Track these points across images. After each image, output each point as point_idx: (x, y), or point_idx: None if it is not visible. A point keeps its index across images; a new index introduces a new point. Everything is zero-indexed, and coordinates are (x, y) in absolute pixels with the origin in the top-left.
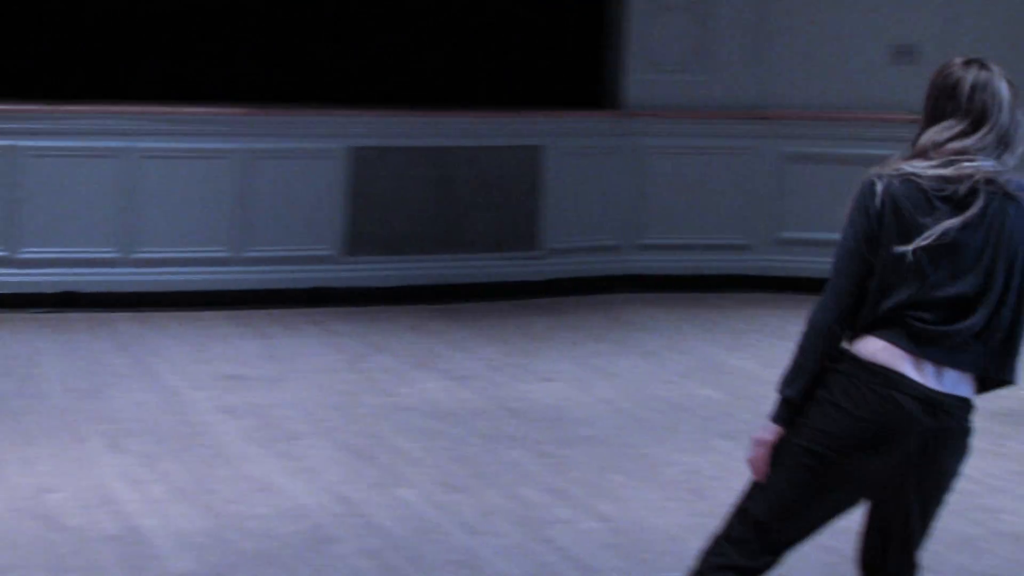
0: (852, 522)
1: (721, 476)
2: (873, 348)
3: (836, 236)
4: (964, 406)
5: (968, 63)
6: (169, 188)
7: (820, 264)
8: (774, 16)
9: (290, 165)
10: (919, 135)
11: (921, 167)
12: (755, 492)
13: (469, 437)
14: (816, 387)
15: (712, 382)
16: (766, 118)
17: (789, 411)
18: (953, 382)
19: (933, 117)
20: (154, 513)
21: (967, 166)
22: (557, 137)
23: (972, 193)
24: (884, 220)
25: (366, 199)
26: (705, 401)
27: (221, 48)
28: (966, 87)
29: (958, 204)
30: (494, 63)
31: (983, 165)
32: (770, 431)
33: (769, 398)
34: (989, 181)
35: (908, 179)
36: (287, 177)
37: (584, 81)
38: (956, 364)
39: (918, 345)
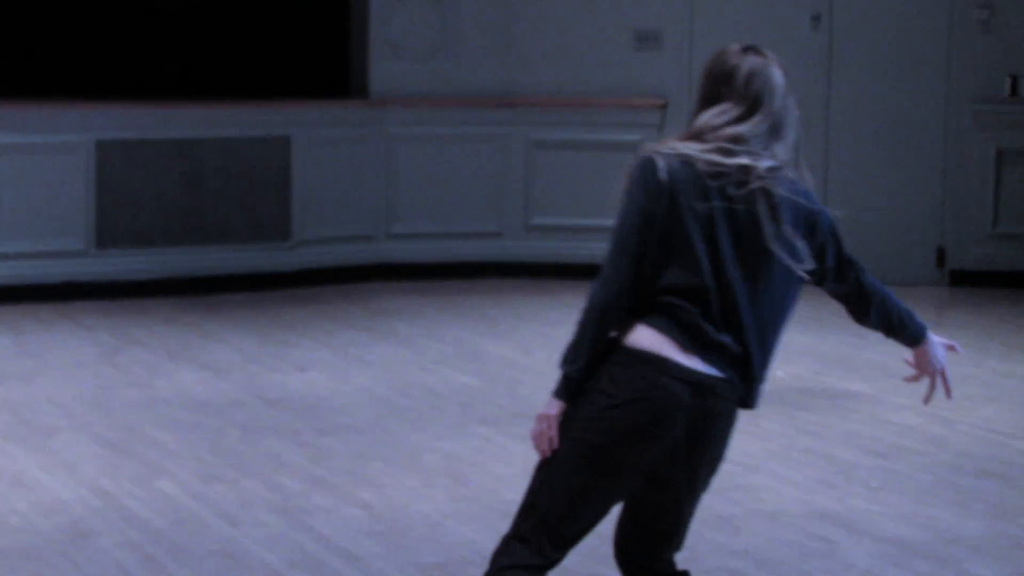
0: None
1: (480, 461)
2: (640, 336)
3: (586, 222)
4: (730, 388)
5: (745, 50)
6: None
7: (570, 250)
8: (519, 3)
9: (35, 160)
10: (694, 117)
11: (696, 150)
12: (538, 488)
13: (227, 428)
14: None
15: (469, 368)
16: (513, 105)
17: (570, 388)
18: (719, 366)
19: (708, 100)
20: None
21: (744, 160)
22: (305, 127)
23: (742, 185)
24: (662, 199)
25: (114, 192)
26: (462, 387)
27: None
28: (743, 73)
29: (729, 195)
30: (241, 53)
31: (760, 162)
32: (553, 406)
33: (526, 383)
34: (761, 177)
35: (685, 161)
36: (32, 172)
37: (332, 70)
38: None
39: (684, 333)
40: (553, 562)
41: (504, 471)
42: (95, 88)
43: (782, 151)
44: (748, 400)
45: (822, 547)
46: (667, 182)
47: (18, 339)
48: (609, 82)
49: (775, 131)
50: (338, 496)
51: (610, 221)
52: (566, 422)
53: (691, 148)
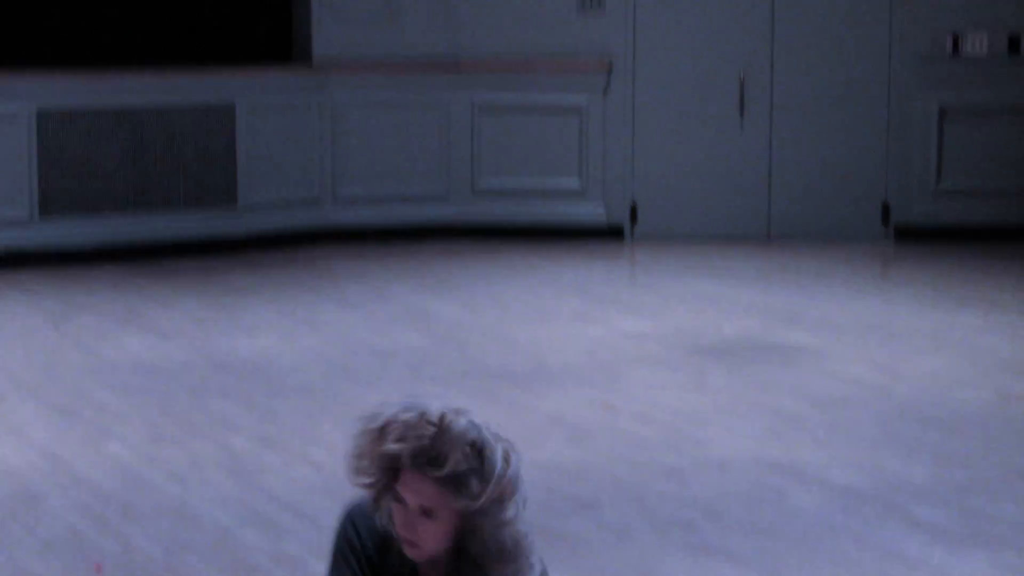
0: None
1: None
2: None
3: (531, 184)
4: None
5: None
6: None
7: (516, 212)
8: None
9: None
10: None
11: None
12: None
13: (176, 391)
14: None
15: (417, 329)
16: (458, 70)
17: None
18: None
19: None
20: None
21: None
22: (250, 94)
23: None
24: None
25: (57, 161)
26: (411, 348)
27: None
28: None
29: None
30: (182, 19)
31: None
32: None
33: (474, 343)
34: None
35: None
36: None
37: (275, 36)
38: None
39: None
40: None
41: None
42: (35, 57)
43: None
44: None
45: (771, 496)
46: None
47: None
48: (553, 45)
49: None
50: (289, 455)
51: (557, 183)
52: None
53: None
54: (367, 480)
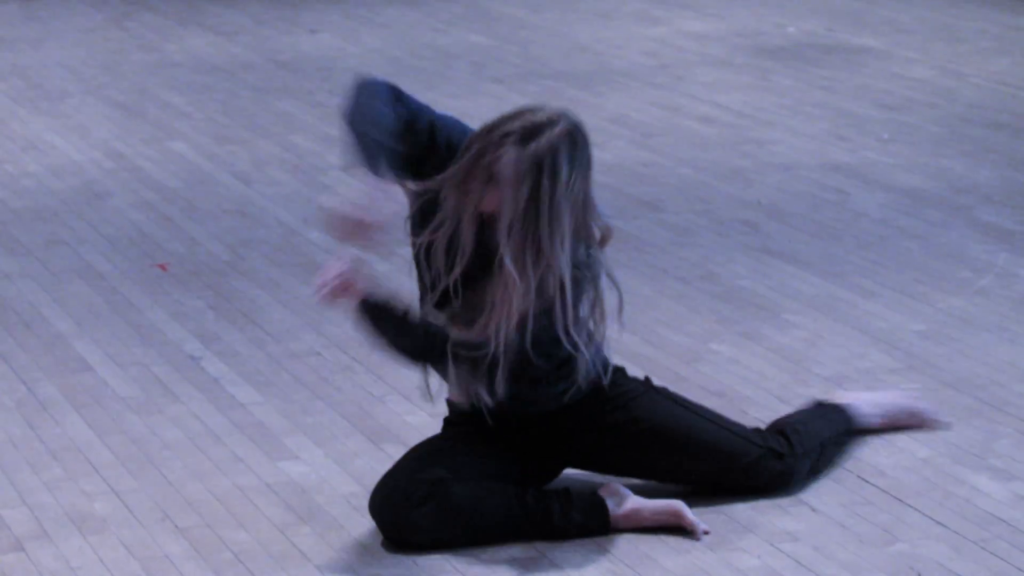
0: None
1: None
2: None
3: None
4: None
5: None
6: None
7: None
8: None
9: None
10: None
11: None
12: None
13: (239, 90)
14: None
15: (480, 28)
16: None
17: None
18: None
19: None
20: None
21: None
22: None
23: None
24: None
25: None
26: (473, 46)
27: None
28: None
29: None
30: None
31: None
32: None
33: (536, 42)
34: None
35: None
36: None
37: None
38: None
39: None
40: None
41: None
42: None
43: None
44: None
45: (835, 197)
46: None
47: (25, 4)
48: None
49: None
50: None
51: None
52: None
53: None
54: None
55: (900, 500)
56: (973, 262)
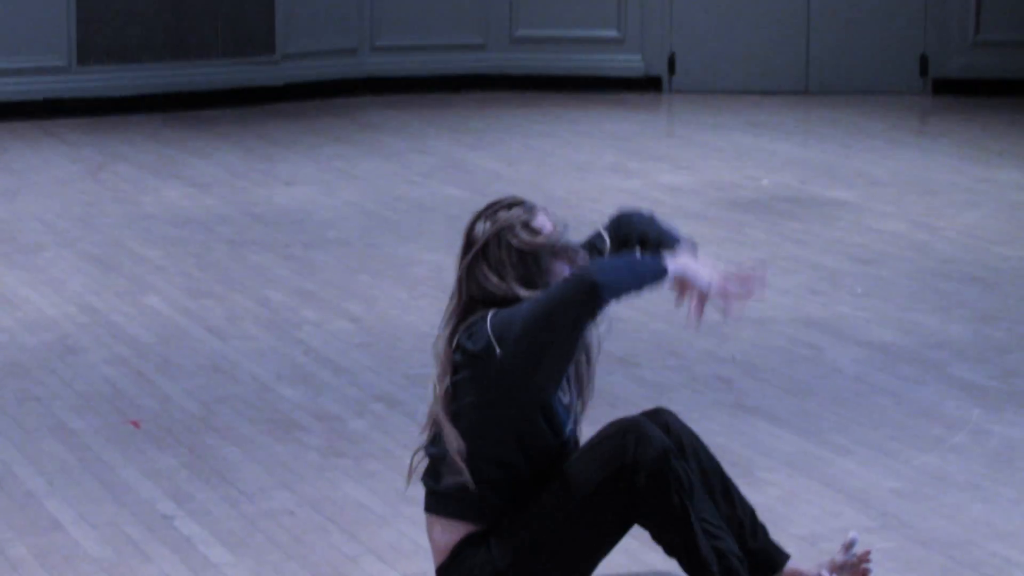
0: None
1: None
2: None
3: (570, 33)
4: None
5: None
6: None
7: (554, 62)
8: None
9: None
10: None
11: None
12: None
13: (213, 243)
14: None
15: (455, 180)
16: None
17: None
18: None
19: None
20: None
21: None
22: None
23: None
24: None
25: (94, 9)
26: (449, 199)
27: None
28: None
29: None
30: None
31: None
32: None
33: (510, 193)
34: None
35: None
36: None
37: None
38: None
39: None
40: None
41: None
42: None
43: None
44: None
45: (809, 352)
46: None
47: (0, 157)
48: None
49: None
50: (326, 309)
51: (595, 33)
52: None
53: None
54: None
55: None
56: (947, 418)
